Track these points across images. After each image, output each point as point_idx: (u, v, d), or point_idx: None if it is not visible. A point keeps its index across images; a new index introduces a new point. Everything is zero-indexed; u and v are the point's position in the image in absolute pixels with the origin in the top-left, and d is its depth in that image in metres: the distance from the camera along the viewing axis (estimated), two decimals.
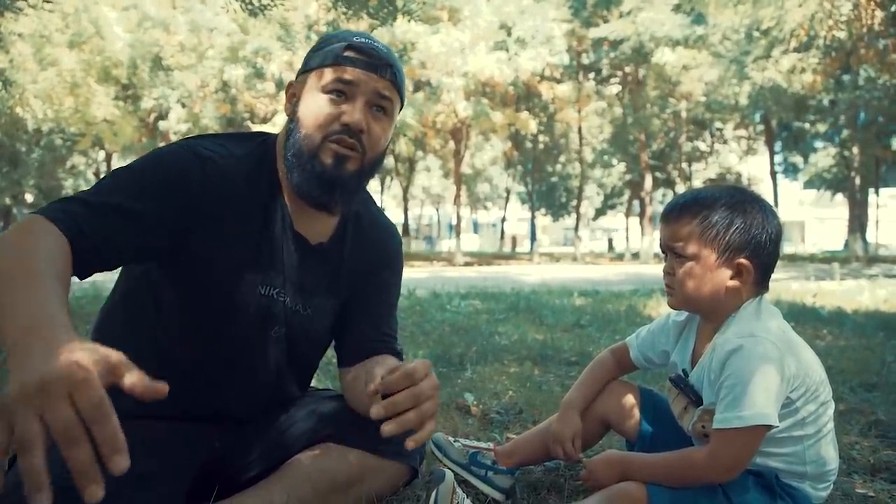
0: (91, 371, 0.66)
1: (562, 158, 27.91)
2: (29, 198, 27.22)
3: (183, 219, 1.14)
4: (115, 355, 0.71)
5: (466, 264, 18.78)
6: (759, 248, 1.25)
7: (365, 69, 1.19)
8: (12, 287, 0.81)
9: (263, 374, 1.29)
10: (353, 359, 1.36)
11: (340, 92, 1.19)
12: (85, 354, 0.68)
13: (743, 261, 1.25)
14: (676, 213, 1.28)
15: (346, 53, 1.19)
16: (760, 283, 1.28)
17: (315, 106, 1.19)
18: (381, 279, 1.39)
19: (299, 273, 1.28)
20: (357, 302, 1.36)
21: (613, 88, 23.58)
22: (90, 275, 1.05)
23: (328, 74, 1.19)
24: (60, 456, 0.81)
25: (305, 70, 1.24)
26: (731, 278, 1.25)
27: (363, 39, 1.21)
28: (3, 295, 0.80)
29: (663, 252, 1.32)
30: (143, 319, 1.24)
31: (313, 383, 2.13)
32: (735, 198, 1.27)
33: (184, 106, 19.55)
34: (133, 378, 0.70)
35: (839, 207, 38.42)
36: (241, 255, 1.21)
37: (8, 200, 23.83)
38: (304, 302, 1.29)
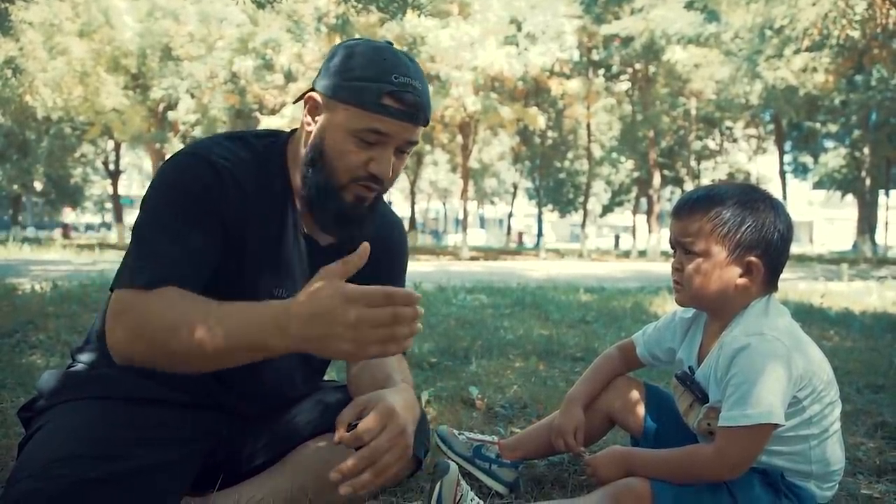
0: (340, 289, 0.91)
1: (570, 155, 27.83)
2: (38, 186, 27.36)
3: (220, 230, 1.16)
4: (331, 269, 0.95)
5: (472, 259, 18.77)
6: (770, 247, 1.24)
7: (402, 120, 1.15)
8: (214, 328, 0.99)
9: (273, 374, 1.29)
10: None
11: (371, 141, 1.17)
12: (326, 289, 0.92)
13: (753, 259, 1.24)
14: (688, 208, 1.27)
15: (385, 101, 1.14)
16: (770, 283, 1.28)
17: (343, 149, 1.17)
18: (386, 272, 1.39)
19: (311, 274, 1.28)
20: None
21: (623, 85, 23.45)
22: None
23: (363, 121, 1.14)
24: (76, 451, 1.00)
25: (338, 97, 1.16)
26: (741, 276, 1.25)
27: (405, 80, 1.15)
28: (215, 336, 0.98)
29: (673, 248, 1.31)
30: None
31: None
32: (747, 195, 1.26)
33: (193, 96, 19.58)
34: (349, 266, 0.96)
35: (848, 208, 38.20)
36: (257, 258, 1.22)
37: (17, 188, 23.96)
38: None
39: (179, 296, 1.05)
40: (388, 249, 1.39)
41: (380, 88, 1.14)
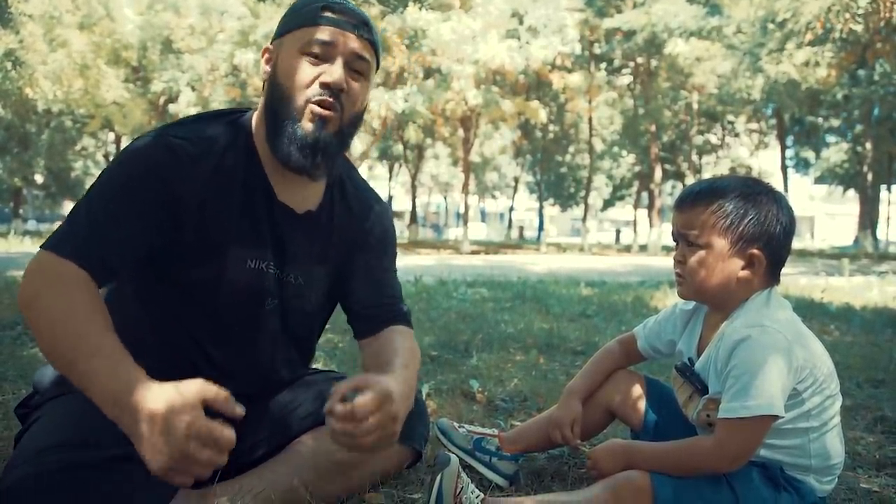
0: (191, 419, 0.88)
1: (571, 149, 27.77)
2: (38, 179, 27.34)
3: (168, 211, 1.16)
4: (197, 390, 0.91)
5: (473, 253, 18.76)
6: (772, 240, 1.24)
7: (342, 28, 1.19)
8: (80, 356, 0.97)
9: (259, 347, 1.30)
10: (365, 328, 1.37)
11: (318, 54, 1.18)
12: (176, 408, 0.88)
13: (755, 251, 1.24)
14: (691, 200, 1.27)
15: (324, 14, 1.19)
16: (771, 276, 1.27)
17: (293, 68, 1.19)
18: (373, 246, 1.40)
19: (288, 243, 1.28)
20: (355, 271, 1.37)
21: (625, 79, 23.37)
22: (109, 282, 1.14)
23: (305, 35, 1.19)
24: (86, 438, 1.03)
25: (282, 33, 1.23)
26: (743, 269, 1.25)
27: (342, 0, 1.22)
28: (76, 365, 0.97)
29: (675, 240, 1.31)
30: (137, 294, 1.25)
31: (319, 366, 2.14)
32: (750, 188, 1.26)
33: (193, 89, 19.53)
34: (216, 402, 0.92)
35: (850, 203, 38.15)
36: (226, 232, 1.22)
37: (18, 181, 23.93)
38: (295, 272, 1.30)
39: (82, 298, 1.04)
40: (370, 224, 1.39)
41: (316, 6, 1.20)
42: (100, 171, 1.23)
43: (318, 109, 1.18)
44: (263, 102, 1.24)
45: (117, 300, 1.25)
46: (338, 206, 1.35)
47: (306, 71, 1.18)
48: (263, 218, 1.25)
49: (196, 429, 0.87)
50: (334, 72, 1.18)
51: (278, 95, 1.20)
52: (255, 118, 1.28)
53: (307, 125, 1.18)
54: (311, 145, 1.19)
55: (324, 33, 1.18)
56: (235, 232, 1.22)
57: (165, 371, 1.23)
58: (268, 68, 1.24)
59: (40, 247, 1.12)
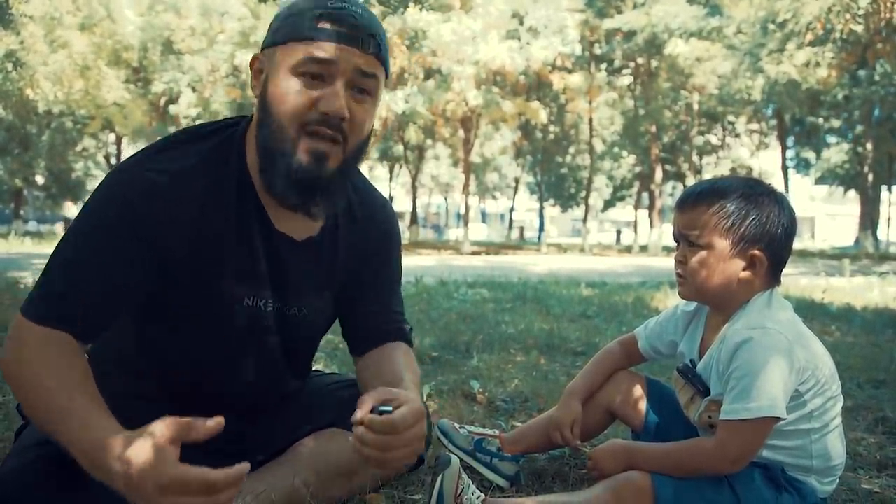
0: (157, 473, 0.78)
1: (571, 149, 27.78)
2: (39, 180, 27.35)
3: (152, 255, 1.06)
4: (161, 435, 0.80)
5: (474, 253, 18.76)
6: (774, 241, 1.24)
7: (344, 43, 1.01)
8: (61, 424, 0.91)
9: (258, 376, 1.25)
10: (365, 344, 1.31)
11: (316, 74, 1.02)
12: (141, 463, 0.79)
13: (757, 252, 1.24)
14: (692, 201, 1.27)
15: (320, 25, 1.01)
16: (773, 277, 1.27)
17: (286, 92, 1.02)
18: (380, 258, 1.31)
19: (289, 275, 1.18)
20: (360, 286, 1.30)
21: (625, 80, 23.37)
22: (98, 338, 1.07)
23: (300, 52, 1.02)
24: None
25: (273, 42, 1.06)
26: (744, 269, 1.25)
27: (340, 4, 1.03)
28: (54, 432, 0.92)
29: (676, 240, 1.31)
30: (133, 327, 1.19)
31: (320, 367, 2.14)
32: (752, 189, 1.26)
33: (194, 90, 19.56)
34: (191, 433, 0.82)
35: (850, 204, 38.15)
36: (220, 270, 1.12)
37: (19, 182, 23.95)
38: (298, 304, 1.22)
39: (56, 363, 0.97)
40: (378, 235, 1.30)
41: (312, 14, 1.03)
42: (100, 174, 1.18)
43: (315, 144, 1.03)
44: (255, 127, 1.10)
45: (111, 332, 1.16)
46: (341, 218, 1.24)
47: (302, 96, 1.02)
48: (260, 251, 1.14)
49: (164, 482, 0.77)
50: (334, 98, 1.01)
51: (270, 124, 1.05)
52: (248, 137, 1.14)
53: (304, 160, 1.04)
54: (308, 185, 1.05)
55: (321, 50, 1.01)
56: (232, 269, 1.12)
57: (165, 394, 1.20)
58: (256, 83, 1.10)
59: (20, 310, 1.03)
